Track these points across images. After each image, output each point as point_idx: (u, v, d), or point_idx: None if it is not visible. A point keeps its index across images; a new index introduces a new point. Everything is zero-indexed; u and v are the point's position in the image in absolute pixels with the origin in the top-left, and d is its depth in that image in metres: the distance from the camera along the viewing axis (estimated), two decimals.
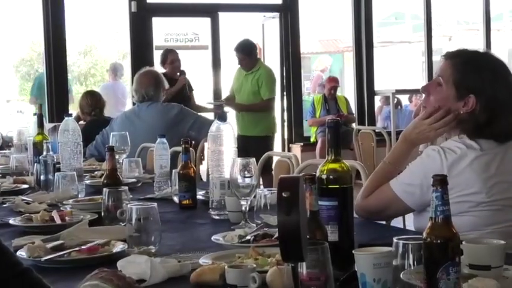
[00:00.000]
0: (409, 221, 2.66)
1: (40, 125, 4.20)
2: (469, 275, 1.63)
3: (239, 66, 7.73)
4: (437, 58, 11.16)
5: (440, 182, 1.47)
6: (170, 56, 7.82)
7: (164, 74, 7.65)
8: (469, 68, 2.37)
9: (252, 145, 7.14)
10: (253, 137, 7.42)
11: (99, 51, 18.44)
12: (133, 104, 5.66)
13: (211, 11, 9.47)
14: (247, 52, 7.58)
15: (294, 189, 1.24)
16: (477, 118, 2.35)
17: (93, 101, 6.09)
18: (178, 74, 7.76)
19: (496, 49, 10.78)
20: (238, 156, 2.45)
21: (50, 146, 3.58)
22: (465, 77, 2.36)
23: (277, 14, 9.86)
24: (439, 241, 1.46)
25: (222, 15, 9.56)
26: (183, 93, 7.60)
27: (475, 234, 2.21)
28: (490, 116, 2.34)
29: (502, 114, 2.34)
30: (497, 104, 2.34)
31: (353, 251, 1.59)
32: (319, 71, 13.48)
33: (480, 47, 10.67)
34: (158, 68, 7.76)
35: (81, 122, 6.09)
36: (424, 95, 2.51)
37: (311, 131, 9.98)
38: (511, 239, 2.23)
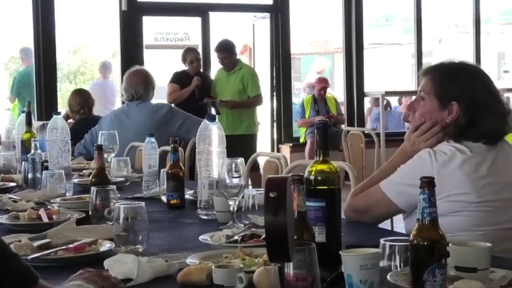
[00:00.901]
0: (397, 223, 2.67)
1: (28, 123, 4.19)
2: (455, 277, 1.63)
3: (220, 67, 7.77)
4: (427, 60, 11.21)
5: (428, 184, 1.48)
6: (188, 56, 7.82)
7: (185, 71, 7.74)
8: (447, 77, 2.45)
9: (237, 144, 7.16)
10: (239, 135, 7.44)
11: (89, 50, 18.39)
12: (123, 102, 5.64)
13: (201, 11, 9.46)
14: (230, 50, 7.68)
15: (281, 190, 1.24)
16: (459, 122, 2.41)
17: (82, 99, 6.08)
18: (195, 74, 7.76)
19: (485, 52, 10.83)
20: (228, 155, 2.46)
21: (38, 144, 3.57)
22: (444, 86, 2.44)
23: (267, 15, 9.86)
24: (425, 243, 1.46)
25: (213, 15, 9.56)
26: (193, 96, 7.57)
27: (465, 235, 2.22)
28: (471, 118, 2.39)
29: (483, 115, 2.38)
30: (476, 106, 2.39)
31: (340, 252, 1.59)
32: (316, 72, 13.47)
33: (469, 49, 10.72)
34: (181, 65, 7.85)
35: (70, 121, 6.08)
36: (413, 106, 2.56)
37: (300, 132, 9.99)
38: (503, 241, 2.26)
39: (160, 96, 7.40)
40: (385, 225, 4.20)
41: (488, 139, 2.39)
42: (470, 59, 10.47)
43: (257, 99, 7.75)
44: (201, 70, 8.05)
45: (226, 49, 7.66)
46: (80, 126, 5.48)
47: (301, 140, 9.85)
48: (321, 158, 1.91)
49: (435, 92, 2.44)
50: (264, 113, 9.44)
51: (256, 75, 7.83)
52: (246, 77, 7.60)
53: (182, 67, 7.92)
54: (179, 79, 7.74)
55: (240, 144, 7.06)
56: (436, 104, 2.44)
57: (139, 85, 5.18)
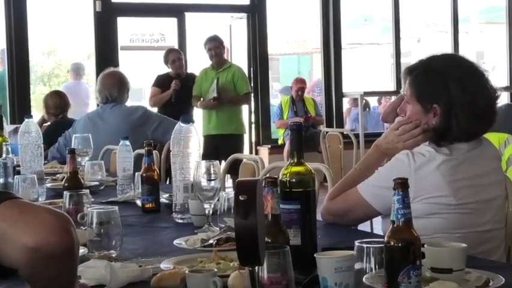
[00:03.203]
0: (377, 224, 2.67)
1: (0, 126, 4.17)
2: (431, 278, 1.65)
3: (206, 66, 7.73)
4: (405, 60, 11.26)
5: (401, 185, 1.49)
6: (171, 56, 7.79)
7: (167, 74, 7.71)
8: (421, 80, 2.41)
9: (226, 144, 7.22)
10: (228, 135, 7.46)
11: (63, 51, 18.29)
12: (98, 105, 5.62)
13: (177, 11, 9.46)
14: (221, 42, 7.67)
15: (251, 193, 1.25)
16: (436, 125, 2.38)
17: (60, 101, 6.02)
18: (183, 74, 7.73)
19: (464, 51, 10.88)
20: (211, 156, 2.47)
21: (10, 148, 3.56)
22: (421, 90, 2.41)
23: (244, 15, 9.87)
24: (400, 244, 1.48)
25: (189, 16, 9.56)
26: (171, 100, 7.56)
27: (442, 237, 2.22)
28: (446, 118, 2.36)
29: (453, 116, 2.34)
30: (451, 105, 2.35)
31: (314, 255, 1.60)
32: None
33: (448, 48, 10.78)
34: (164, 68, 7.82)
35: (46, 124, 6.05)
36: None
37: (279, 133, 10.00)
38: (480, 244, 2.27)
39: (135, 98, 7.38)
40: (365, 226, 4.22)
41: (459, 141, 2.37)
42: None
43: (248, 97, 7.88)
44: (185, 71, 8.00)
45: (218, 39, 7.65)
46: (56, 129, 5.44)
47: (280, 142, 9.87)
48: (296, 160, 1.92)
49: (415, 96, 2.41)
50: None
51: (244, 73, 7.90)
52: (236, 75, 7.58)
53: (164, 69, 7.88)
54: (161, 82, 7.69)
55: (230, 144, 7.14)
56: (419, 107, 2.41)
57: (114, 87, 5.16)
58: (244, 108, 8.46)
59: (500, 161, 2.53)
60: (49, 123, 6.02)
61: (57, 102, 6.00)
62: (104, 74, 5.36)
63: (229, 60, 8.27)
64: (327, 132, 7.76)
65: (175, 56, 7.79)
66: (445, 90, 2.36)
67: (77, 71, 9.77)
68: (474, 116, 2.35)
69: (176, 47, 9.36)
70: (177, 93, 7.57)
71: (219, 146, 7.35)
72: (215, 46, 7.58)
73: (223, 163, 5.11)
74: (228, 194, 2.36)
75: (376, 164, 2.54)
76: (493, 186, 2.40)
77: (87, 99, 9.47)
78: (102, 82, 5.25)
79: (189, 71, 8.19)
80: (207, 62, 7.77)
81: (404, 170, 2.29)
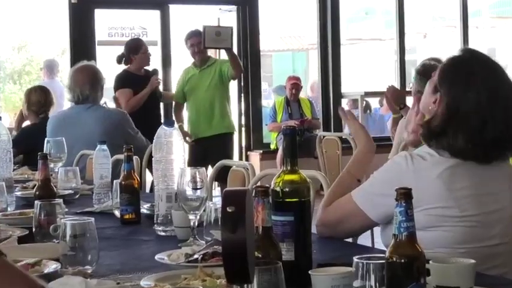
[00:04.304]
0: (379, 238, 2.67)
1: None
2: None
3: (188, 66, 7.71)
4: (410, 57, 11.30)
5: (405, 195, 1.49)
6: (144, 47, 7.37)
7: (127, 72, 7.47)
8: (448, 69, 2.41)
9: (215, 145, 7.23)
10: (219, 135, 7.46)
11: (35, 47, 18.28)
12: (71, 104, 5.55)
13: (160, 3, 9.46)
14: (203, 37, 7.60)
15: (240, 204, 1.25)
16: (431, 123, 2.36)
17: (45, 99, 5.93)
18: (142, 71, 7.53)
19: (473, 46, 10.91)
20: (197, 162, 2.47)
21: None
22: (441, 74, 2.40)
23: (234, 7, 9.88)
24: (402, 260, 1.48)
25: (173, 8, 9.56)
26: (154, 98, 7.41)
27: (446, 253, 2.22)
28: (442, 122, 2.33)
29: (451, 127, 2.32)
30: (452, 113, 2.32)
31: (309, 272, 1.60)
32: None
33: (457, 45, 10.80)
34: (122, 66, 7.54)
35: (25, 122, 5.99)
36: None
37: (271, 137, 10.01)
38: (488, 259, 2.25)
39: (110, 96, 7.30)
40: (365, 239, 4.23)
41: (450, 153, 2.33)
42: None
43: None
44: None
45: (199, 33, 7.55)
46: (37, 131, 5.32)
47: (272, 147, 9.88)
48: (289, 167, 1.92)
49: (434, 79, 2.42)
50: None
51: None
52: (224, 66, 7.52)
53: (115, 69, 7.65)
54: (128, 82, 7.39)
55: (219, 145, 7.18)
56: (431, 88, 2.41)
57: (86, 84, 5.09)
58: (233, 110, 8.44)
59: (510, 166, 2.49)
60: (28, 122, 5.95)
61: (41, 98, 5.90)
62: (74, 69, 5.28)
63: (218, 58, 8.24)
64: (323, 137, 7.75)
65: (147, 47, 7.59)
66: (458, 93, 2.33)
67: (51, 68, 9.75)
68: (473, 138, 2.30)
69: (159, 42, 9.36)
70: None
71: (208, 149, 7.36)
72: (198, 42, 7.51)
73: (210, 169, 5.11)
74: (216, 204, 2.36)
75: (367, 162, 2.55)
76: (501, 195, 2.36)
77: (62, 99, 9.44)
78: (73, 78, 5.18)
79: (151, 68, 8.01)
80: (191, 59, 7.73)
81: (401, 175, 2.28)
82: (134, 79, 7.25)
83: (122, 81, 7.33)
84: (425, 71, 4.50)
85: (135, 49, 7.38)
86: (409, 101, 5.35)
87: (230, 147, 7.70)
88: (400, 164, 2.33)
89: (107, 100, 6.64)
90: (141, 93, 7.15)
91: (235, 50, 9.69)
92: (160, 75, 9.00)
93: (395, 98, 5.35)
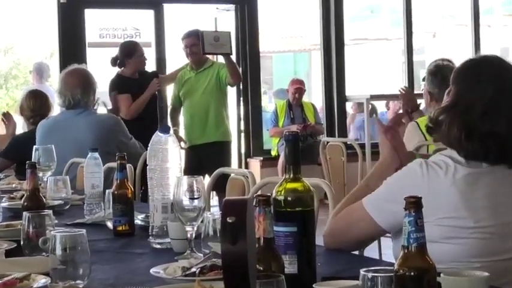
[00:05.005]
0: (387, 250, 2.67)
1: None
2: None
3: (186, 67, 7.70)
4: (418, 58, 11.30)
5: (414, 204, 1.49)
6: (139, 50, 7.35)
7: (122, 76, 7.46)
8: (459, 71, 2.50)
9: (211, 153, 7.21)
10: (214, 143, 7.44)
11: (22, 49, 18.28)
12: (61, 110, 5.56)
13: (154, 2, 9.48)
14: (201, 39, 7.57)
15: (240, 214, 1.25)
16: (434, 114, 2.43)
17: (36, 104, 5.91)
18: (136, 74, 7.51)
19: (486, 47, 10.93)
20: (194, 170, 2.47)
21: None
22: (454, 75, 2.49)
23: (232, 6, 9.90)
24: (412, 273, 1.48)
25: (168, 7, 9.58)
26: (152, 102, 7.40)
27: (459, 266, 2.21)
28: (444, 111, 2.41)
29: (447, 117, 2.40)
30: (455, 102, 2.41)
31: (313, 285, 1.60)
32: None
33: (468, 44, 10.82)
34: (110, 69, 7.53)
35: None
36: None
37: (272, 143, 10.01)
38: (505, 273, 2.25)
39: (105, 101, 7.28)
40: (373, 252, 4.23)
41: (445, 144, 2.42)
42: (468, 55, 10.57)
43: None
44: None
45: (195, 34, 7.52)
46: (29, 140, 5.29)
47: (274, 153, 9.88)
48: (292, 175, 1.92)
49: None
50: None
51: None
52: (223, 69, 7.48)
53: (110, 72, 7.63)
54: (126, 88, 7.41)
55: (216, 153, 7.15)
56: (446, 92, 2.50)
57: (77, 88, 5.09)
58: (232, 115, 8.43)
59: None
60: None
61: (32, 104, 5.88)
62: (65, 72, 5.29)
63: (216, 60, 8.25)
64: (327, 142, 7.76)
65: (143, 50, 7.59)
66: (471, 85, 2.41)
67: (40, 72, 9.75)
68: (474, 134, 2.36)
69: (153, 43, 9.36)
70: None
71: (203, 157, 7.34)
72: (192, 43, 7.50)
73: (207, 178, 5.10)
74: (214, 215, 2.36)
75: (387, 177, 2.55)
76: None
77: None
78: (63, 82, 5.18)
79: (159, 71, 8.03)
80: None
81: (415, 183, 2.29)
82: (129, 83, 7.28)
83: (117, 86, 7.34)
84: (437, 71, 4.51)
85: (129, 53, 7.40)
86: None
87: (226, 156, 7.60)
88: (415, 170, 2.35)
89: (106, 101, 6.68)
90: (141, 98, 7.17)
91: (234, 50, 9.73)
92: None
93: (406, 100, 5.36)
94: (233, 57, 9.68)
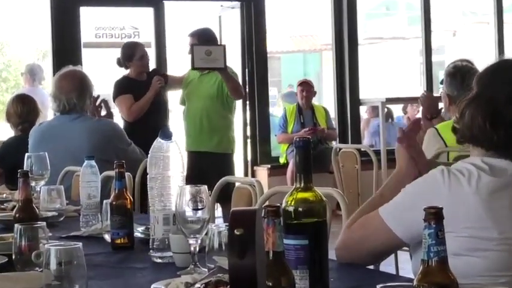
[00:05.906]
0: (404, 264, 2.67)
1: None
2: None
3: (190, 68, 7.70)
4: (438, 58, 11.30)
5: (434, 215, 1.49)
6: (139, 51, 7.36)
7: (127, 77, 7.47)
8: (482, 73, 2.56)
9: (211, 164, 7.19)
10: (212, 153, 7.41)
11: (13, 50, 18.33)
12: (55, 114, 5.56)
13: (154, 0, 9.49)
14: (207, 38, 7.53)
15: (249, 226, 1.25)
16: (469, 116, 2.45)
17: (24, 110, 5.91)
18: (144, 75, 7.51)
19: (510, 46, 10.92)
20: (194, 179, 2.47)
21: None
22: (476, 79, 2.54)
23: (237, 3, 9.91)
24: None
25: (168, 5, 9.59)
26: (155, 102, 7.38)
27: (483, 281, 2.21)
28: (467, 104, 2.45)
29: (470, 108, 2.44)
30: (479, 96, 2.45)
31: None
32: None
33: (491, 43, 10.82)
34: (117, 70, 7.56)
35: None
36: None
37: (281, 150, 10.01)
38: None
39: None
40: (389, 266, 4.23)
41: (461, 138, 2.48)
42: (491, 54, 10.58)
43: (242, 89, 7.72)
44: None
45: (201, 35, 7.53)
46: (20, 145, 5.30)
47: (282, 161, 9.88)
48: (302, 184, 1.92)
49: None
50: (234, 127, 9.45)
51: (236, 73, 7.69)
52: None
53: (117, 73, 7.65)
54: (129, 89, 7.46)
55: (216, 164, 7.12)
56: None
57: (73, 92, 5.08)
58: (237, 120, 8.41)
59: None
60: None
61: (18, 110, 5.89)
62: (60, 74, 5.27)
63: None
64: (340, 149, 7.76)
65: (144, 51, 7.59)
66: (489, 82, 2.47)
67: (33, 74, 9.75)
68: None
69: (153, 43, 9.36)
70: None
71: (202, 166, 7.29)
72: (193, 43, 7.51)
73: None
74: (219, 227, 2.36)
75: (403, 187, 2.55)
76: None
77: (45, 109, 9.47)
78: (58, 85, 5.18)
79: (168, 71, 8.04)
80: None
81: (436, 189, 2.31)
82: (135, 85, 7.31)
83: (121, 88, 7.40)
84: (456, 72, 4.51)
85: (128, 56, 7.44)
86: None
87: (226, 170, 7.50)
88: (436, 177, 2.36)
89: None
90: (144, 99, 7.16)
91: (239, 51, 9.75)
92: None
93: (427, 106, 5.34)
94: (238, 57, 9.74)
